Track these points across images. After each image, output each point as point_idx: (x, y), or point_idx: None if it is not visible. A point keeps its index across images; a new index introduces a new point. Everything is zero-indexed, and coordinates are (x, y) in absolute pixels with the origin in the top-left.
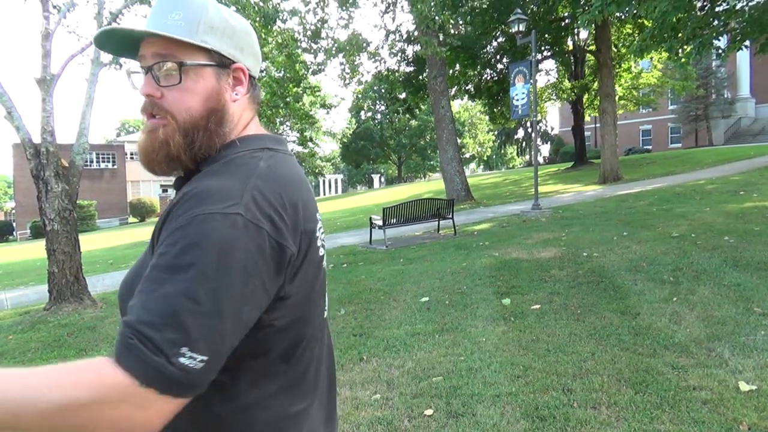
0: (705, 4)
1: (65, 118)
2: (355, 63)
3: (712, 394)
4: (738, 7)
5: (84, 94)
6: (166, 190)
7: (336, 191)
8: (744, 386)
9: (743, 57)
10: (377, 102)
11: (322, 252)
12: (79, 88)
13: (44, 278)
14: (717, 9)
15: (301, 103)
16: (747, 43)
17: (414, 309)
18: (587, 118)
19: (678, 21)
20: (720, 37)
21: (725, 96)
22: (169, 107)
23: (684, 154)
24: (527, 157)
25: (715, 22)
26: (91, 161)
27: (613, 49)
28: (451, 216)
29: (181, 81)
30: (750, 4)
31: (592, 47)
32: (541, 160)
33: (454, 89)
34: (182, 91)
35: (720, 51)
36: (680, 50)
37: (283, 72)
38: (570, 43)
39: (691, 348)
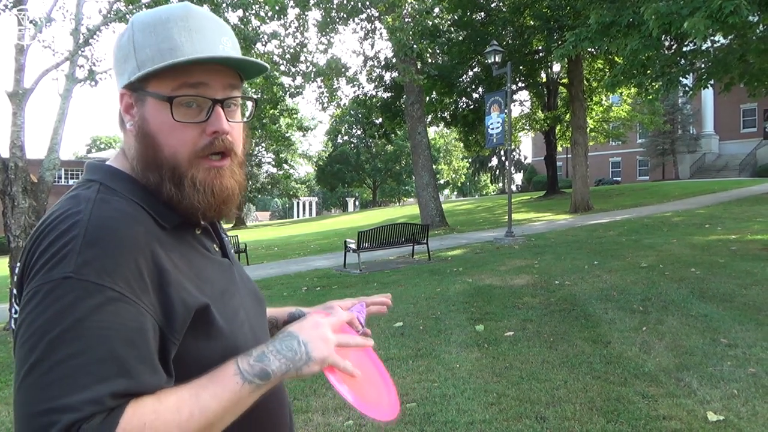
0: (673, 43)
1: (34, 133)
2: (333, 87)
3: (682, 424)
4: (704, 48)
5: (57, 110)
6: None
7: (310, 214)
8: (712, 416)
9: (708, 95)
10: (354, 126)
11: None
12: (50, 103)
13: (6, 296)
14: (684, 49)
15: (277, 125)
16: (712, 82)
17: (388, 334)
18: (559, 149)
19: (647, 59)
20: (687, 76)
21: (691, 132)
22: (234, 145)
23: (651, 186)
24: (500, 184)
25: (682, 61)
26: (60, 177)
27: (585, 83)
28: (425, 241)
29: (244, 116)
30: (715, 45)
31: (565, 80)
32: (514, 188)
33: (430, 116)
34: (240, 127)
35: (687, 89)
36: (649, 86)
37: (260, 93)
38: (544, 75)
39: (660, 377)
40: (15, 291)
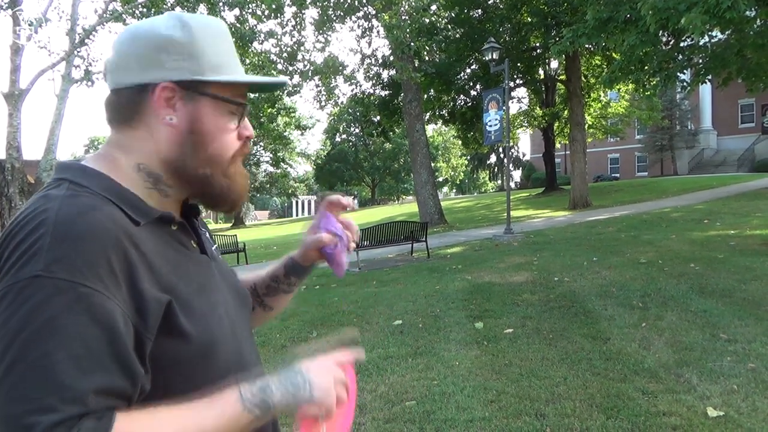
0: (670, 39)
1: (31, 134)
2: (331, 85)
3: (682, 420)
4: (701, 44)
5: (53, 110)
6: None
7: (309, 212)
8: (712, 412)
9: (706, 91)
10: (352, 124)
11: None
12: (47, 104)
13: None
14: (681, 44)
15: (275, 124)
16: (709, 77)
17: (387, 332)
18: (558, 146)
19: (645, 55)
20: (684, 71)
21: (689, 127)
22: None
23: (650, 182)
24: (499, 182)
25: (680, 56)
26: None
27: (583, 79)
28: (424, 239)
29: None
30: (712, 41)
31: (563, 77)
32: (512, 185)
33: (428, 114)
34: None
35: (684, 84)
36: (647, 82)
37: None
38: (541, 72)
39: (660, 373)
40: None
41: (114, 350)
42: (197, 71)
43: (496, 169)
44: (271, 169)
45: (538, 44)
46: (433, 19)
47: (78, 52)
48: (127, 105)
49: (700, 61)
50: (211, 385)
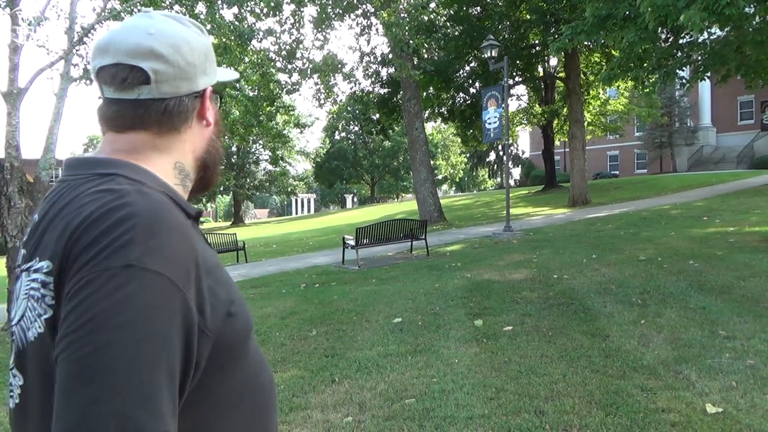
0: (669, 36)
1: (30, 133)
2: (330, 83)
3: (681, 417)
4: (700, 40)
5: (52, 109)
6: None
7: (308, 211)
8: (711, 408)
9: (705, 87)
10: (351, 122)
11: None
12: (45, 103)
13: (4, 297)
14: (680, 41)
15: (274, 122)
16: (708, 74)
17: (386, 330)
18: (557, 143)
19: (644, 52)
20: (683, 68)
21: (688, 124)
22: None
23: (649, 179)
24: (498, 179)
25: (679, 53)
26: (57, 177)
27: (582, 76)
28: (423, 237)
29: None
30: (711, 37)
31: (562, 74)
32: (512, 183)
33: (427, 111)
34: None
35: (684, 81)
36: (646, 79)
37: (257, 91)
38: (540, 69)
39: (659, 370)
40: (42, 292)
41: (185, 348)
42: (214, 73)
43: (495, 167)
44: (270, 167)
45: (537, 41)
46: (432, 16)
47: (77, 50)
48: (183, 112)
49: (699, 58)
50: (251, 365)
